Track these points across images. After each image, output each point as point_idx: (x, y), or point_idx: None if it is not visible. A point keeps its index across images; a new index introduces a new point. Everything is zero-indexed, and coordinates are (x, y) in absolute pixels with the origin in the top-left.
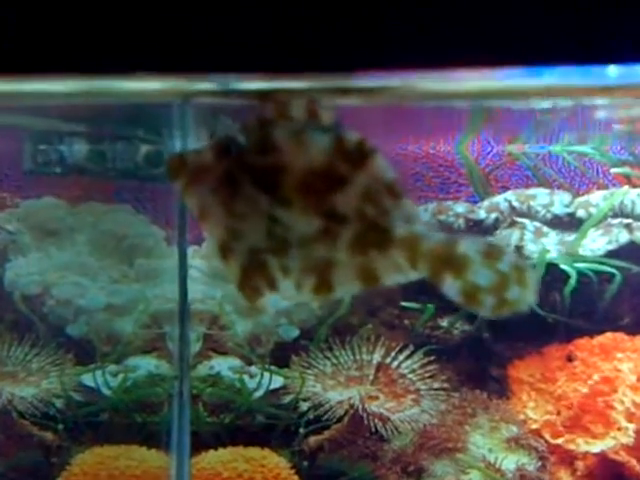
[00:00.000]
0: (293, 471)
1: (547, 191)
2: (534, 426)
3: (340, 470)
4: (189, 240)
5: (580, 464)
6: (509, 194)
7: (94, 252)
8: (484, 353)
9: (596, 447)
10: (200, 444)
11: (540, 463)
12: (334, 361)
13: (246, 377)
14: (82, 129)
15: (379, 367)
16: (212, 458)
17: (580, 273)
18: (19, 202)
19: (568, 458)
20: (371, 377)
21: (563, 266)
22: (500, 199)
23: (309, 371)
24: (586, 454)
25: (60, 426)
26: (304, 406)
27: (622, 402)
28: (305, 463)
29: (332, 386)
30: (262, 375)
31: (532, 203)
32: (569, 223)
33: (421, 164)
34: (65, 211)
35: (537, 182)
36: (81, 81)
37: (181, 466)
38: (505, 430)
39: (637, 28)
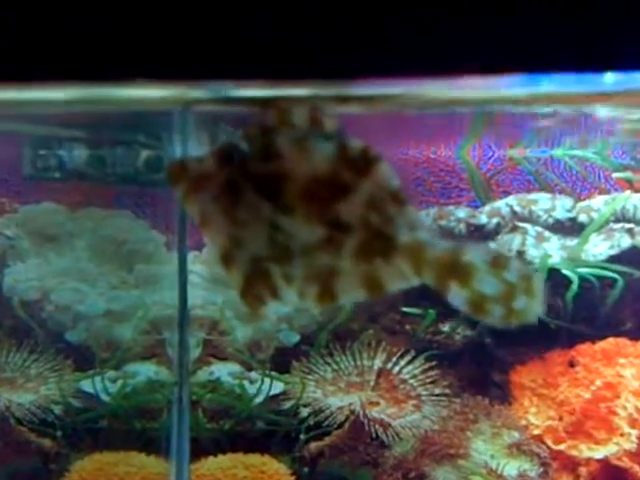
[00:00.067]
0: (293, 478)
1: (549, 196)
2: (536, 432)
3: (341, 476)
4: (189, 246)
5: (583, 470)
6: (510, 199)
7: (93, 258)
8: (486, 358)
9: (599, 453)
10: (200, 450)
11: (542, 469)
12: (335, 367)
13: (246, 383)
14: (82, 135)
15: (380, 373)
16: (212, 464)
17: (582, 278)
18: (18, 207)
19: (570, 464)
20: (372, 383)
21: (565, 271)
22: (501, 204)
23: (310, 377)
24: (589, 460)
25: (59, 432)
26: (304, 412)
27: (625, 408)
28: (305, 469)
29: (333, 392)
30: (262, 381)
31: (534, 208)
32: (571, 228)
33: (422, 169)
34: (64, 216)
35: (539, 187)
36: (81, 89)
37: (180, 472)
38: (507, 436)
39: (636, 36)
